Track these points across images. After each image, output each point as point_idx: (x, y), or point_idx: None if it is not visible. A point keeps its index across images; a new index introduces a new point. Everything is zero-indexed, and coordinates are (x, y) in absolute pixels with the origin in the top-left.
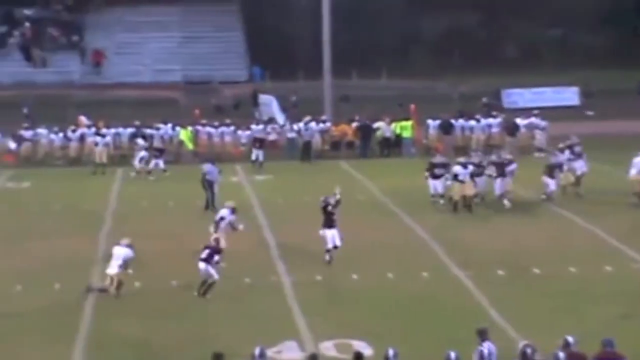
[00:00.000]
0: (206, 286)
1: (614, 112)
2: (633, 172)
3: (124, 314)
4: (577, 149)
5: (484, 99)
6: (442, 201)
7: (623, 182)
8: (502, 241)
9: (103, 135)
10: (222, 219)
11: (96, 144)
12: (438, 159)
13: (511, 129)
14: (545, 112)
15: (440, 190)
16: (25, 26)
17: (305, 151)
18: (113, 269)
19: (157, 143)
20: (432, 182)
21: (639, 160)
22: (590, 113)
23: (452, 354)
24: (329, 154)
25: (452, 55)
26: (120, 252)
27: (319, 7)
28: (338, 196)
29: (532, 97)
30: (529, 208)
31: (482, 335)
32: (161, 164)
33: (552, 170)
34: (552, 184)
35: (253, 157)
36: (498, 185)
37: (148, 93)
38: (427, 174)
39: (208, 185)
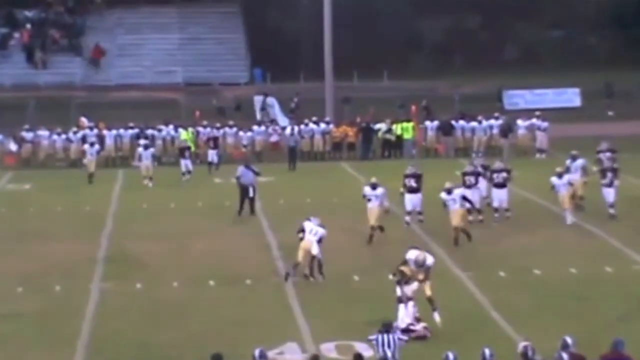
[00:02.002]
0: (318, 266)
1: (619, 113)
2: None
3: (125, 316)
4: (607, 155)
5: (424, 102)
6: (412, 218)
7: (627, 183)
8: (503, 242)
9: (92, 144)
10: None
11: (84, 152)
12: (409, 170)
13: (504, 131)
14: (546, 113)
15: (418, 208)
16: (26, 28)
17: (290, 157)
18: (310, 244)
19: (180, 143)
20: (407, 197)
21: None
22: (610, 113)
23: (451, 355)
24: (330, 155)
25: (453, 57)
26: (317, 229)
27: (321, 9)
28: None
29: (533, 99)
30: (530, 209)
31: (387, 327)
32: (190, 164)
33: (605, 175)
34: (609, 193)
35: (209, 158)
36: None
37: (149, 94)
38: (402, 189)
39: (242, 188)
